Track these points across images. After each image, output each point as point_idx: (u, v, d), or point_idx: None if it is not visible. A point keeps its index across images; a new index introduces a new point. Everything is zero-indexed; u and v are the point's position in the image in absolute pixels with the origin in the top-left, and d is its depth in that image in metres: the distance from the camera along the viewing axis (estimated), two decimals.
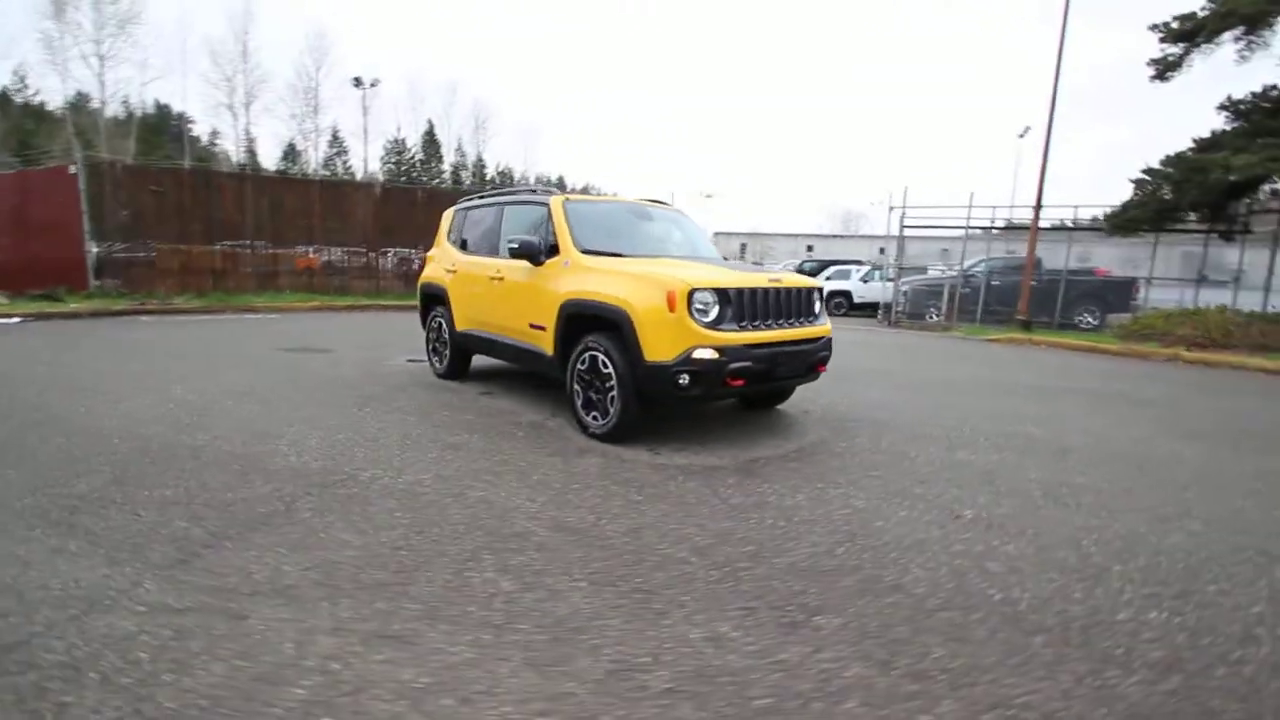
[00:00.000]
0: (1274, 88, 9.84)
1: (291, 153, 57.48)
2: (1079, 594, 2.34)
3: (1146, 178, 11.86)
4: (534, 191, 5.08)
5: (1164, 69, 11.02)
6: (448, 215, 6.17)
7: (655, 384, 3.72)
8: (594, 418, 4.09)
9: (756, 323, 3.91)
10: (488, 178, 66.69)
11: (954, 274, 16.24)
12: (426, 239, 16.67)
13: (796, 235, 48.73)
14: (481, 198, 5.84)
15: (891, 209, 15.39)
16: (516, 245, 4.50)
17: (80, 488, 3.09)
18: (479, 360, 6.21)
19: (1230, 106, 10.38)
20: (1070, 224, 16.56)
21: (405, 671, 1.80)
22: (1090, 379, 7.28)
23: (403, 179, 59.65)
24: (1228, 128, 10.49)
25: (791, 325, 4.09)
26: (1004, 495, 3.34)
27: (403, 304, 14.34)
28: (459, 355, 5.82)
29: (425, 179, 62.37)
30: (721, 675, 1.82)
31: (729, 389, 3.83)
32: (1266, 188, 10.72)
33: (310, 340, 8.51)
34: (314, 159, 57.23)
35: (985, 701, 1.75)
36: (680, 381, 3.66)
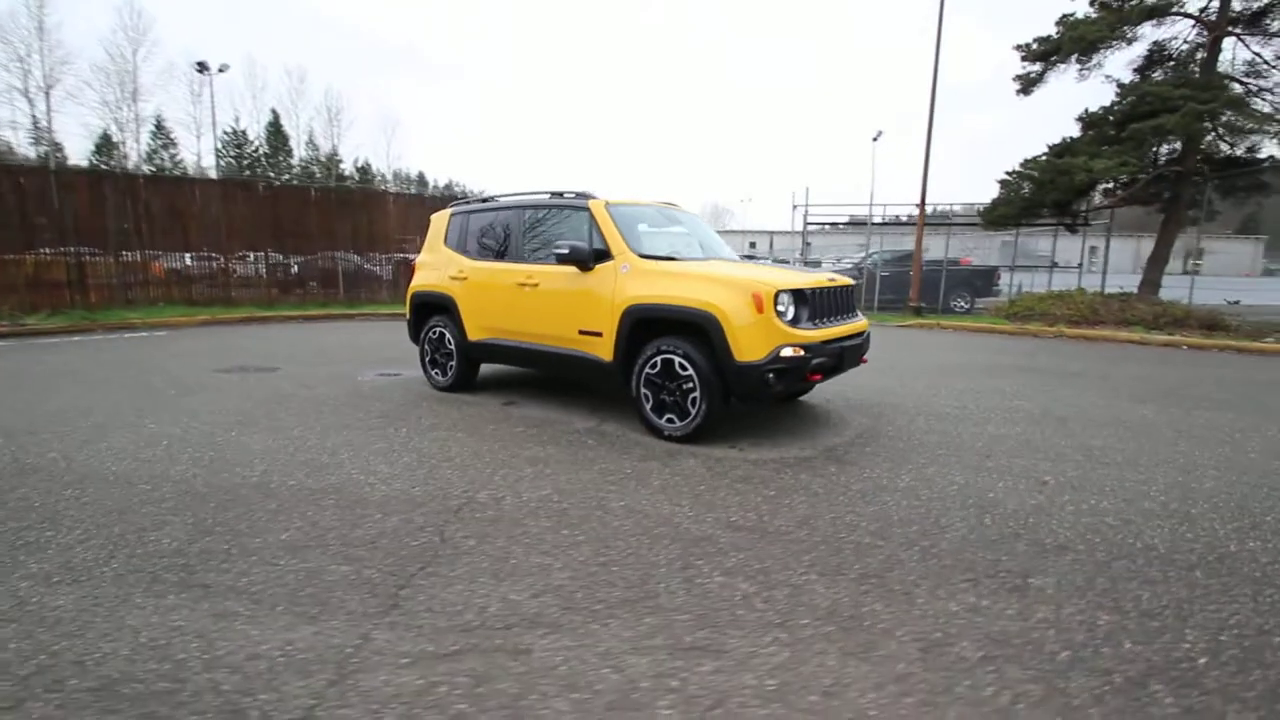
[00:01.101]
0: (1118, 103, 11.82)
1: (106, 145, 50.08)
2: (1189, 535, 2.81)
3: (1010, 178, 13.69)
4: (559, 195, 4.97)
5: (1026, 84, 12.83)
6: (441, 219, 5.84)
7: (745, 383, 3.85)
8: (669, 420, 4.14)
9: (824, 320, 4.17)
10: (345, 174, 62.39)
11: (849, 266, 17.75)
12: (322, 243, 15.56)
13: None
14: (483, 202, 5.60)
15: (795, 206, 16.47)
16: (567, 251, 4.41)
17: (165, 543, 2.68)
18: (481, 370, 5.96)
19: (1084, 118, 12.31)
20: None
21: (745, 677, 1.83)
22: (1014, 356, 8.37)
23: (246, 173, 54.17)
24: (1077, 135, 12.45)
25: (845, 320, 4.40)
26: (1057, 460, 3.85)
27: (304, 314, 13.24)
28: (467, 366, 5.56)
29: (273, 174, 57.21)
30: (1013, 639, 2.02)
31: (808, 383, 4.05)
32: (1102, 187, 12.79)
33: (241, 358, 7.64)
34: (135, 152, 50.25)
35: (1212, 625, 2.10)
36: (769, 379, 3.83)
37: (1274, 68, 11.35)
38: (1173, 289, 12.69)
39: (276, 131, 61.48)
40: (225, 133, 54.11)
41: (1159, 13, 11.44)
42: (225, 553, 2.60)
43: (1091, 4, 12.44)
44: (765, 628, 2.08)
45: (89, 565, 2.49)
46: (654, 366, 4.15)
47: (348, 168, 64.02)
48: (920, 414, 4.97)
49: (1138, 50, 12.91)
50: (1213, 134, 11.14)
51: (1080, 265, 14.84)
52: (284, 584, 2.35)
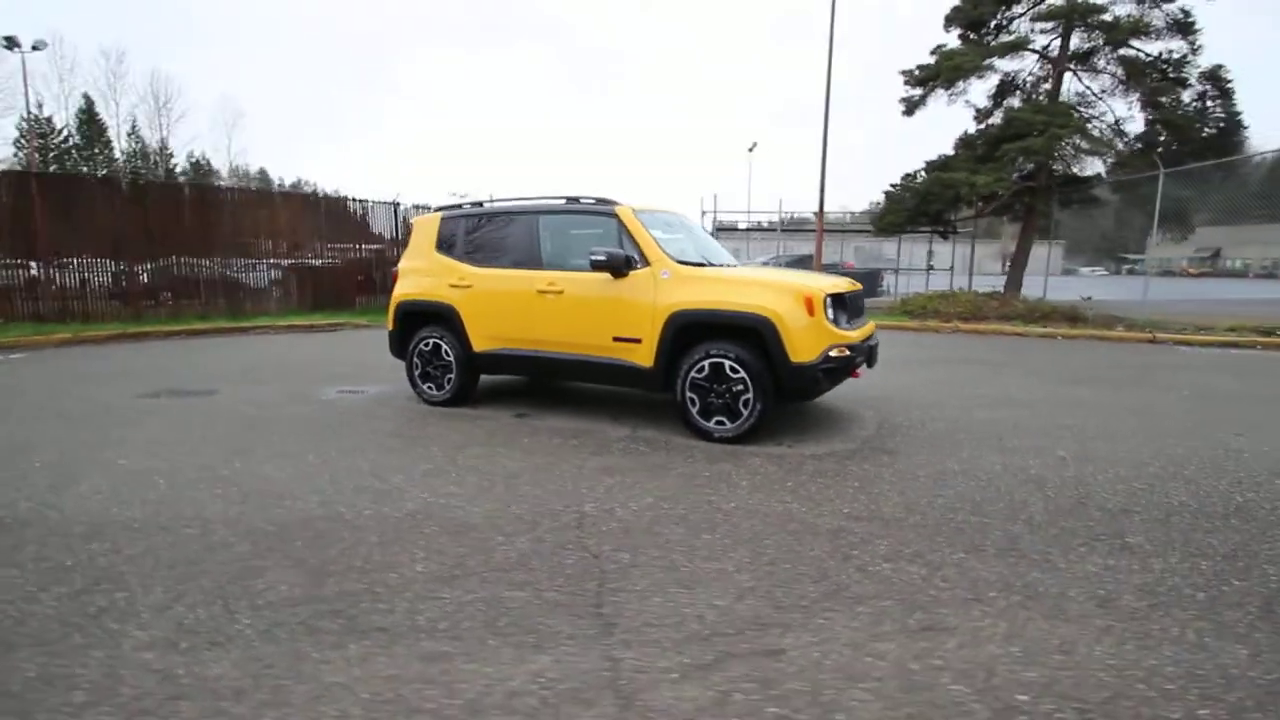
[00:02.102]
0: (990, 127, 13.56)
1: None
2: (1202, 492, 3.38)
3: (894, 190, 15.23)
4: (575, 200, 4.91)
5: (910, 106, 14.35)
6: (429, 224, 5.50)
7: (798, 382, 4.06)
8: (718, 422, 4.24)
9: (854, 322, 4.48)
10: (177, 168, 55.95)
11: None
12: (187, 248, 13.75)
13: None
14: (478, 205, 5.37)
15: (704, 213, 17.20)
16: (603, 258, 4.38)
17: (284, 590, 2.40)
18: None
19: (963, 139, 14.00)
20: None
21: (989, 649, 2.00)
22: (936, 350, 9.34)
23: (54, 167, 46.89)
24: (952, 153, 14.12)
25: (863, 322, 4.75)
26: (1053, 438, 4.42)
27: (187, 329, 11.77)
28: (470, 378, 5.30)
29: (89, 168, 50.08)
30: (1155, 588, 2.37)
31: (846, 379, 4.34)
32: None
33: (156, 380, 6.71)
34: None
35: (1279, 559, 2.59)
36: (819, 378, 4.07)
37: (1101, 99, 13.62)
38: (993, 283, 14.77)
39: (90, 119, 53.90)
40: (25, 119, 46.12)
41: (1016, 48, 13.33)
42: (369, 592, 2.37)
43: (960, 38, 14.19)
44: (965, 603, 2.27)
45: (213, 625, 2.17)
46: (701, 370, 4.24)
47: (180, 162, 57.39)
48: (911, 405, 5.46)
49: (994, 80, 14.89)
50: (1059, 155, 13.12)
51: (951, 267, 16.79)
52: (470, 616, 2.20)
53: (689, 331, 4.30)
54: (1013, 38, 13.28)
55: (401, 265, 5.63)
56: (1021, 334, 10.88)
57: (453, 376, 5.29)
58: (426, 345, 5.38)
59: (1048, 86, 14.22)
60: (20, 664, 1.94)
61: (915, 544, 2.75)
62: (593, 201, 4.84)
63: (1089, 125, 13.20)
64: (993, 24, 14.33)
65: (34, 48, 25.59)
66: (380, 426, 4.80)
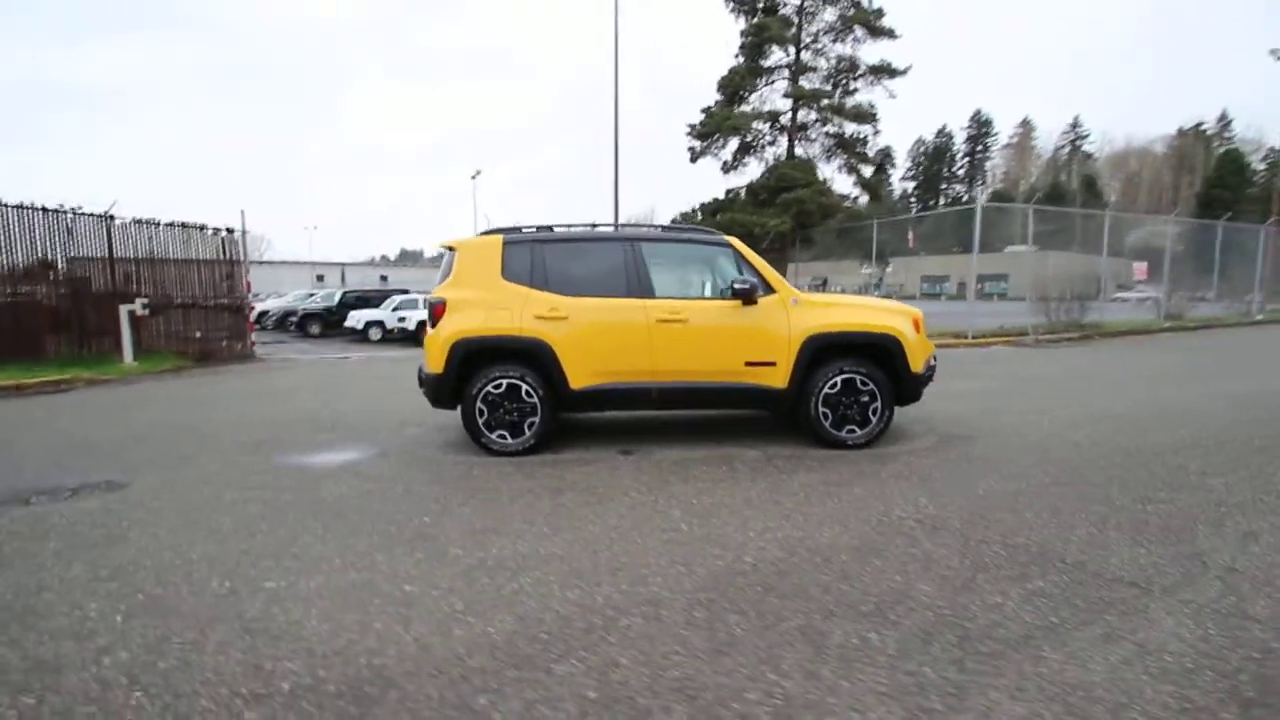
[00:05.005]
0: (769, 176, 16.38)
1: None
2: (1200, 434, 5.12)
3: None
4: (669, 228, 4.90)
5: (694, 156, 16.55)
6: (487, 249, 4.75)
7: (913, 390, 4.84)
8: (849, 431, 4.76)
9: None
10: None
11: None
12: None
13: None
14: (542, 229, 4.87)
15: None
16: (745, 286, 4.56)
17: (873, 640, 2.27)
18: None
19: (748, 187, 16.62)
20: None
21: None
22: None
23: None
24: (724, 198, 16.71)
25: None
26: (1031, 415, 6.00)
27: None
28: (555, 420, 4.78)
29: None
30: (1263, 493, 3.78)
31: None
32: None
33: (38, 476, 4.34)
34: None
35: None
36: (924, 383, 4.92)
37: (816, 161, 17.73)
38: None
39: None
40: None
41: (773, 118, 16.54)
42: (954, 621, 2.39)
43: (719, 103, 16.95)
44: (1248, 515, 3.32)
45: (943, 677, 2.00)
46: (834, 387, 4.72)
47: None
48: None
49: (738, 141, 18.07)
50: (816, 204, 16.69)
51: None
52: (1080, 602, 2.43)
53: (824, 352, 4.75)
54: (765, 109, 16.57)
55: (449, 296, 4.74)
56: None
57: (536, 420, 4.70)
58: (498, 387, 4.67)
59: (774, 149, 17.94)
60: None
61: (1137, 491, 3.75)
62: (688, 229, 4.93)
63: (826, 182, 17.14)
64: (739, 94, 17.46)
65: None
66: (490, 485, 4.07)
